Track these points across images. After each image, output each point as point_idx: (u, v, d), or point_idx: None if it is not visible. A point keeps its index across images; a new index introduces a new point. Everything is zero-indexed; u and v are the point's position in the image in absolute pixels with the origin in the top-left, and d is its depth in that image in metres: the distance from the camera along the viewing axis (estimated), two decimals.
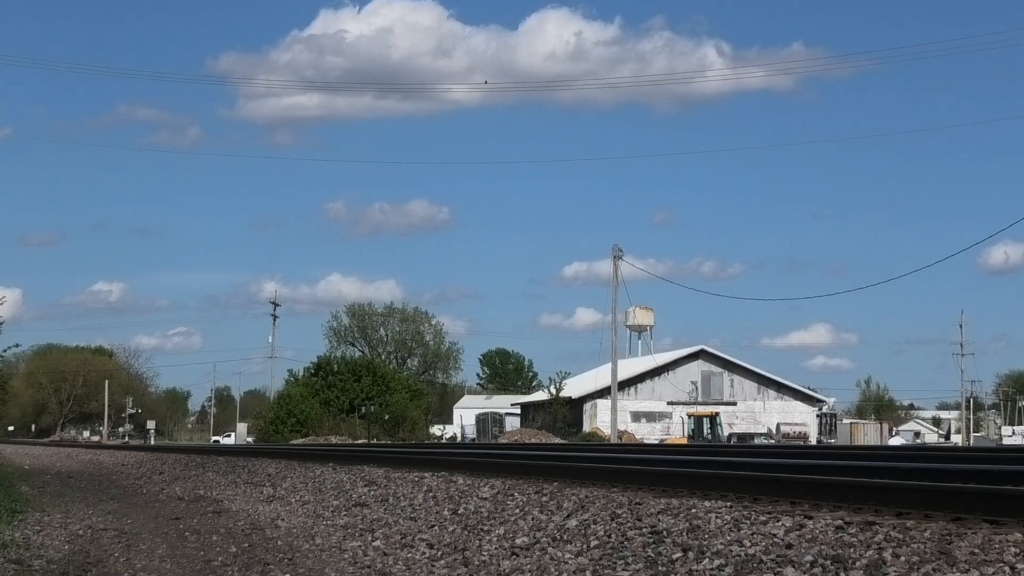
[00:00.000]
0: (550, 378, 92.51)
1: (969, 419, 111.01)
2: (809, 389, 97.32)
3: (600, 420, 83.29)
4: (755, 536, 8.80)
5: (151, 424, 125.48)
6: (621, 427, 75.24)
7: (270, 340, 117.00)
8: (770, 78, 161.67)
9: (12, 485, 25.95)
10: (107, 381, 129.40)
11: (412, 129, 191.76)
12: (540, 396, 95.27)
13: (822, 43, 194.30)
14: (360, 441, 73.86)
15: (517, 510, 12.55)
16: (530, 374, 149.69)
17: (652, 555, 9.14)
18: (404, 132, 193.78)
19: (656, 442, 68.84)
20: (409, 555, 11.78)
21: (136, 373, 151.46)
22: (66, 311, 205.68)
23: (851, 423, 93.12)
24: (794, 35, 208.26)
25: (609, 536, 10.14)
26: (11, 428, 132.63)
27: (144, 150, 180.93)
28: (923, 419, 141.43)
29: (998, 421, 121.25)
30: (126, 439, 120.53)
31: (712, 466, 13.95)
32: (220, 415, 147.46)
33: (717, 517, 9.63)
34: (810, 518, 8.96)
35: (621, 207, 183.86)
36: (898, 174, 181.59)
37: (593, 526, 10.68)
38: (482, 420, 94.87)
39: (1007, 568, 6.87)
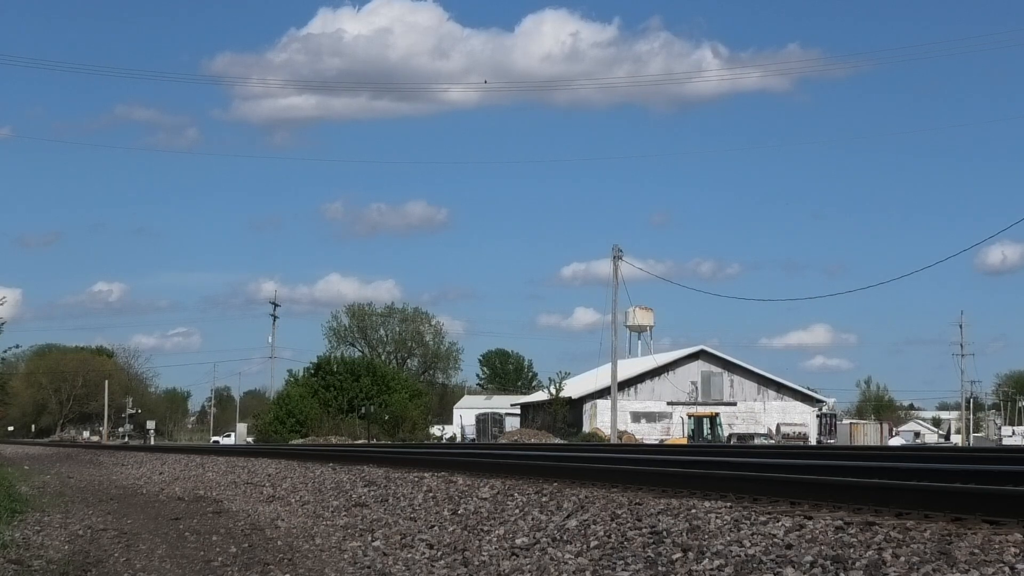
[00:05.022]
0: (550, 378, 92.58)
1: (969, 419, 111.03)
2: (809, 389, 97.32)
3: (600, 420, 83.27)
4: (755, 536, 8.80)
5: (151, 424, 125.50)
6: (621, 427, 75.23)
7: (269, 340, 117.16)
8: (766, 79, 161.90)
9: (12, 485, 25.94)
10: (107, 381, 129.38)
11: (410, 130, 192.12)
12: (540, 396, 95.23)
13: (818, 44, 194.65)
14: (360, 441, 73.87)
15: (517, 510, 12.55)
16: (530, 374, 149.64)
17: (652, 555, 9.15)
18: (402, 133, 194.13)
19: (656, 442, 68.84)
20: (409, 555, 11.78)
21: (136, 373, 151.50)
22: (66, 311, 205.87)
23: (851, 423, 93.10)
24: (790, 36, 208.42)
25: (609, 536, 10.14)
26: (11, 428, 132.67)
27: (142, 150, 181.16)
28: (923, 419, 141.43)
29: (998, 421, 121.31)
30: (126, 439, 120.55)
31: (712, 466, 13.95)
32: (220, 415, 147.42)
33: (717, 517, 9.63)
34: (810, 518, 8.96)
35: (619, 207, 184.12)
36: (896, 174, 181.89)
37: (593, 526, 10.68)
38: (482, 420, 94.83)
39: (1007, 568, 6.87)
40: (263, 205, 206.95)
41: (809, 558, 7.87)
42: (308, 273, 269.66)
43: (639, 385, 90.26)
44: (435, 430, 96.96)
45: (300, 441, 73.55)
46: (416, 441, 75.18)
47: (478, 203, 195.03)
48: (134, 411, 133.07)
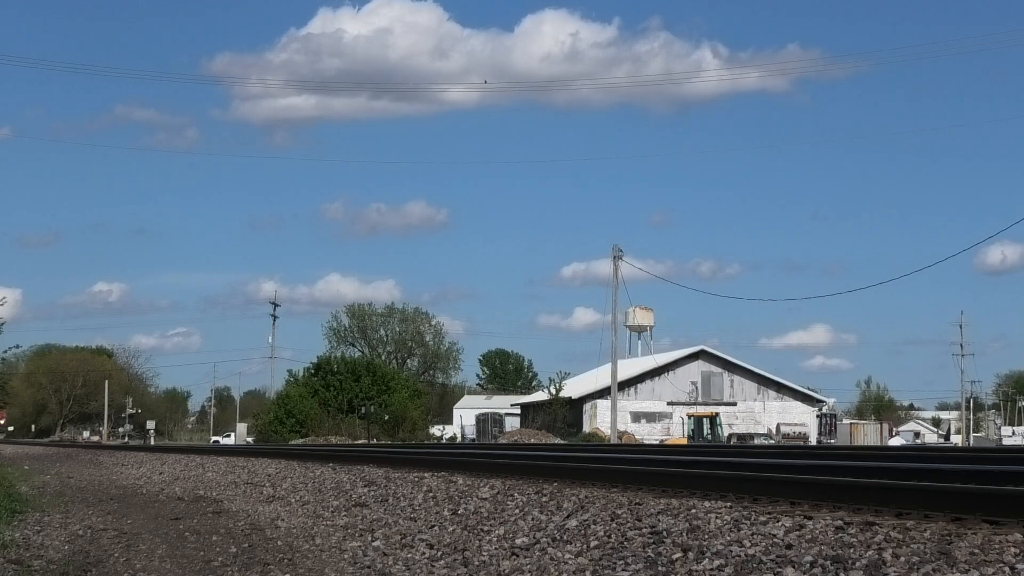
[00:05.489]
0: (550, 378, 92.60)
1: (969, 419, 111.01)
2: (809, 389, 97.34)
3: (600, 420, 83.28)
4: (755, 536, 8.80)
5: (151, 424, 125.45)
6: (621, 427, 75.22)
7: (269, 340, 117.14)
8: (766, 79, 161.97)
9: (12, 485, 25.94)
10: (107, 381, 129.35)
11: (410, 130, 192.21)
12: (540, 396, 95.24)
13: (818, 44, 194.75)
14: (360, 441, 73.86)
15: (517, 510, 12.55)
16: (530, 374, 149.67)
17: (652, 555, 9.14)
18: (402, 133, 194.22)
19: (656, 442, 68.84)
20: (409, 555, 11.78)
21: (136, 373, 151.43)
22: (65, 311, 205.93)
23: (851, 423, 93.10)
24: (790, 36, 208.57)
25: (609, 536, 10.14)
26: (11, 428, 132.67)
27: (142, 150, 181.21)
28: (923, 419, 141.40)
29: (998, 421, 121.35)
30: (126, 439, 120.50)
31: (712, 466, 13.96)
32: (220, 415, 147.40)
33: (717, 517, 9.63)
34: (810, 518, 8.96)
35: (619, 207, 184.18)
36: (896, 174, 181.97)
37: (593, 526, 10.68)
38: (482, 420, 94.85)
39: (1007, 568, 6.87)
40: (263, 205, 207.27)
41: (809, 558, 7.87)
42: (308, 273, 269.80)
43: (639, 385, 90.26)
44: (435, 430, 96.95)
45: (300, 441, 73.54)
46: (416, 441, 75.17)
47: (478, 203, 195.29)
48: (134, 411, 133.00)
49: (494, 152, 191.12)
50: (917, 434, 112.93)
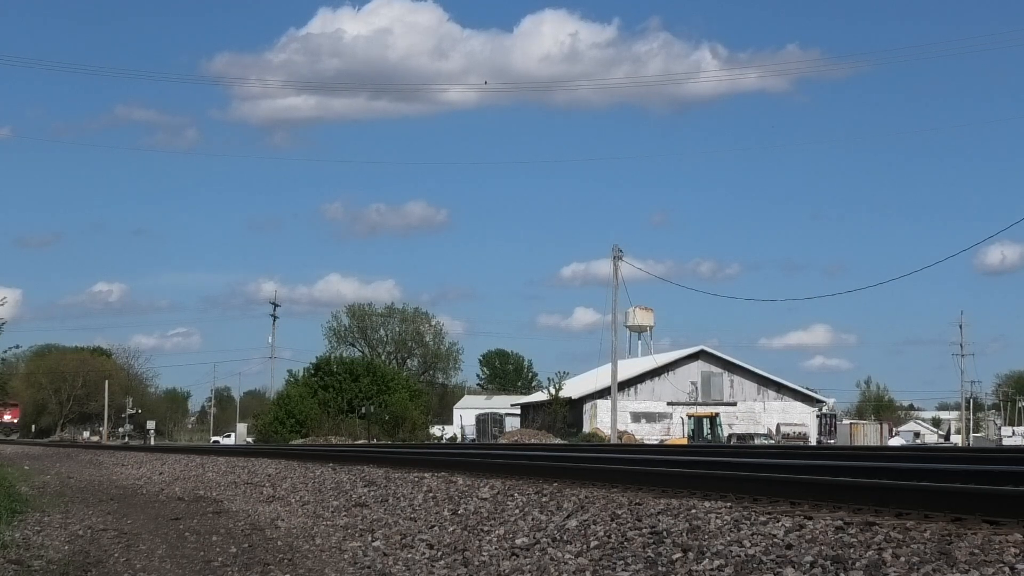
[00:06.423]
0: (549, 378, 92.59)
1: (969, 420, 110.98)
2: (809, 389, 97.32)
3: (600, 420, 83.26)
4: (755, 536, 8.80)
5: (151, 424, 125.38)
6: (621, 427, 75.21)
7: (269, 340, 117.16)
8: (765, 79, 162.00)
9: (12, 485, 25.93)
10: (107, 381, 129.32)
11: (410, 130, 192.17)
12: (540, 396, 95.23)
13: (817, 44, 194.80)
14: (360, 441, 73.84)
15: (517, 510, 12.55)
16: (530, 374, 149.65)
17: (652, 555, 9.15)
18: (402, 133, 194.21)
19: (656, 443, 68.84)
20: (409, 555, 11.78)
21: (136, 373, 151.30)
22: (65, 311, 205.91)
23: (851, 423, 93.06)
24: (789, 37, 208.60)
25: (609, 536, 10.14)
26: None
27: (142, 150, 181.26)
28: (923, 420, 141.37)
29: (998, 422, 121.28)
30: (126, 439, 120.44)
31: (712, 466, 13.95)
32: (220, 415, 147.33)
33: (717, 517, 9.63)
34: (810, 518, 8.96)
35: (619, 207, 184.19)
36: (895, 174, 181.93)
37: (593, 526, 10.68)
38: (482, 420, 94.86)
39: (1007, 568, 6.88)
40: (263, 205, 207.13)
41: (809, 558, 7.87)
42: (308, 273, 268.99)
43: (639, 385, 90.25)
44: (435, 430, 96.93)
45: (300, 441, 73.55)
46: (416, 441, 75.16)
47: (478, 203, 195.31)
48: (134, 411, 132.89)
49: (494, 152, 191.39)
50: (917, 434, 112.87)
